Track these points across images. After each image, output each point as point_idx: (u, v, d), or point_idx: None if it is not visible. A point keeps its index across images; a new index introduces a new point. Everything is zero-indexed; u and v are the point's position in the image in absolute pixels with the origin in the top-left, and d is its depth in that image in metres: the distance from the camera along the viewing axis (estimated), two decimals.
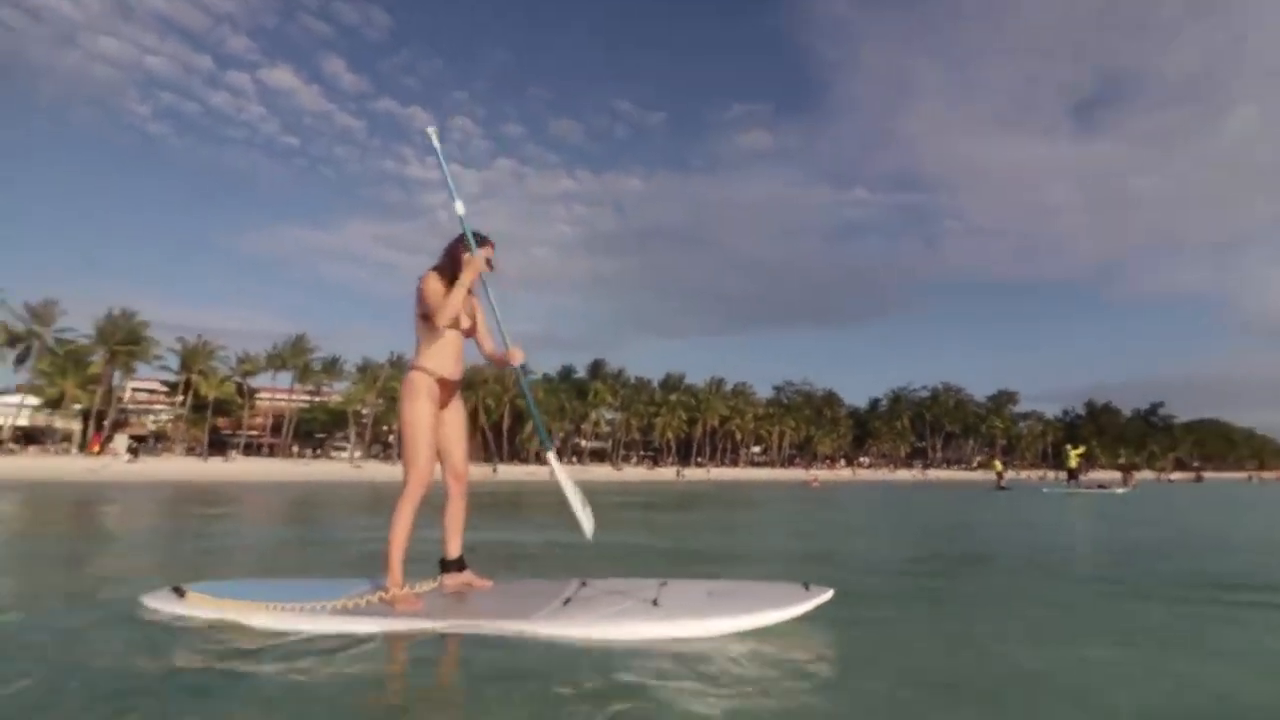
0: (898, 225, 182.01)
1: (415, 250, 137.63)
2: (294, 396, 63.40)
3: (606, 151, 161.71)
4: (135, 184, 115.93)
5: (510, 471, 54.54)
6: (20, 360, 49.98)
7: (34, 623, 3.00)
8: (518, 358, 3.31)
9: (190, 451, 54.57)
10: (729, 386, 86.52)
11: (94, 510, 11.65)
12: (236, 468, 42.94)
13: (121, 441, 50.75)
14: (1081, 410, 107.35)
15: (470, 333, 3.27)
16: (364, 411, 62.42)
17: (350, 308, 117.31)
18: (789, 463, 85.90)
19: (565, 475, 3.18)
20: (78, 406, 51.11)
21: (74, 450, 48.37)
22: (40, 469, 34.53)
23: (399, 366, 66.62)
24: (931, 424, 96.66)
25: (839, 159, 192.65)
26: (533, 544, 6.87)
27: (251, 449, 60.23)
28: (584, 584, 3.05)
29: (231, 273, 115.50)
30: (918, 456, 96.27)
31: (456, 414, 3.25)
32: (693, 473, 66.58)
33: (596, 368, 79.91)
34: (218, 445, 56.35)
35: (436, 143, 3.24)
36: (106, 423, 51.55)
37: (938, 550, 6.46)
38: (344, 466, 49.47)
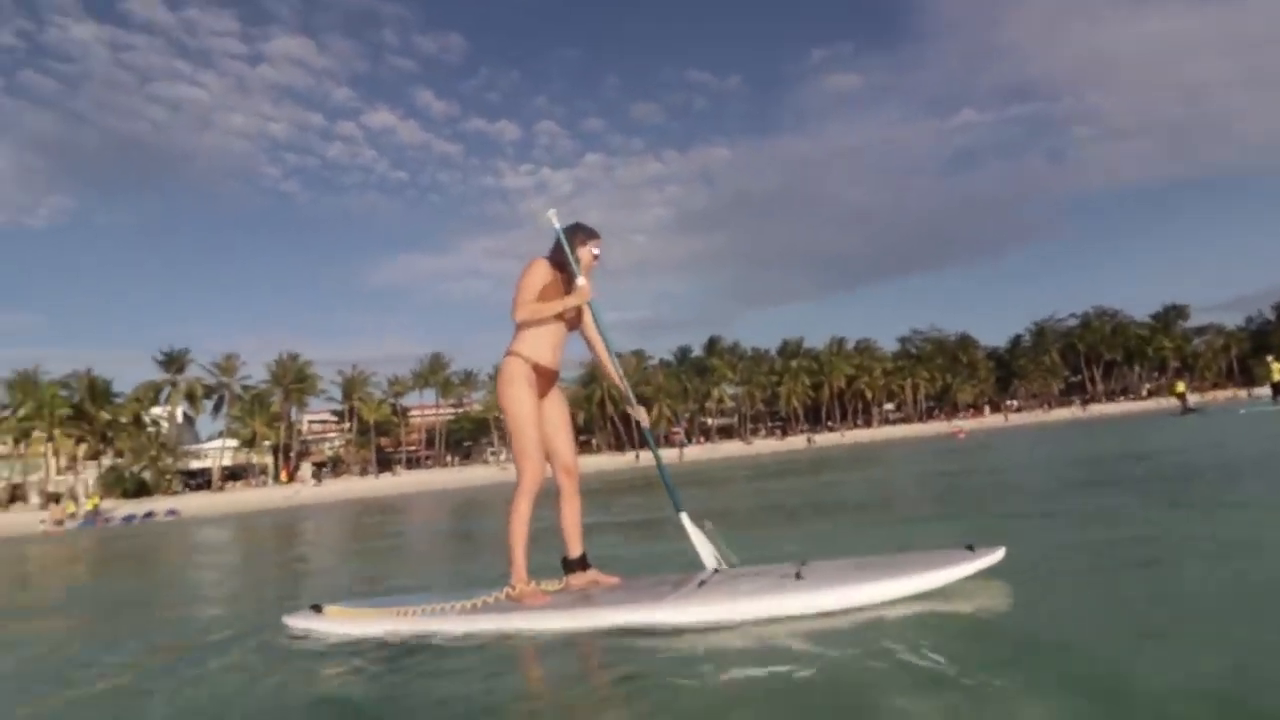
0: (1017, 143, 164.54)
1: (525, 257, 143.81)
2: (440, 410, 69.10)
3: (689, 127, 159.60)
4: (277, 239, 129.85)
5: (646, 458, 56.24)
6: (216, 409, 58.46)
7: (188, 643, 3.01)
8: (644, 417, 3.22)
9: (363, 471, 61.10)
10: (850, 345, 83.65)
11: (291, 531, 13.64)
12: (403, 481, 47.70)
13: (307, 469, 57.88)
14: (1271, 315, 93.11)
15: (574, 325, 3.11)
16: (503, 417, 66.72)
17: (474, 320, 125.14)
18: (927, 416, 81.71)
19: (697, 535, 2.93)
20: (268, 443, 58.79)
21: (269, 481, 55.77)
22: (247, 501, 40.24)
23: None
24: (1086, 355, 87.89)
25: (938, 84, 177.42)
26: (671, 520, 7.42)
27: (412, 463, 66.34)
28: (717, 570, 2.82)
29: (367, 305, 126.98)
30: (1074, 392, 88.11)
31: (557, 406, 3.07)
32: (825, 438, 65.25)
33: (712, 344, 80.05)
34: (384, 463, 62.70)
35: (556, 224, 3.18)
36: (292, 454, 59.01)
37: (1135, 483, 5.53)
38: (494, 469, 53.30)
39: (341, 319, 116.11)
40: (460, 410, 71.65)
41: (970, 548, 2.43)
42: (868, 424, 79.80)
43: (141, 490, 48.32)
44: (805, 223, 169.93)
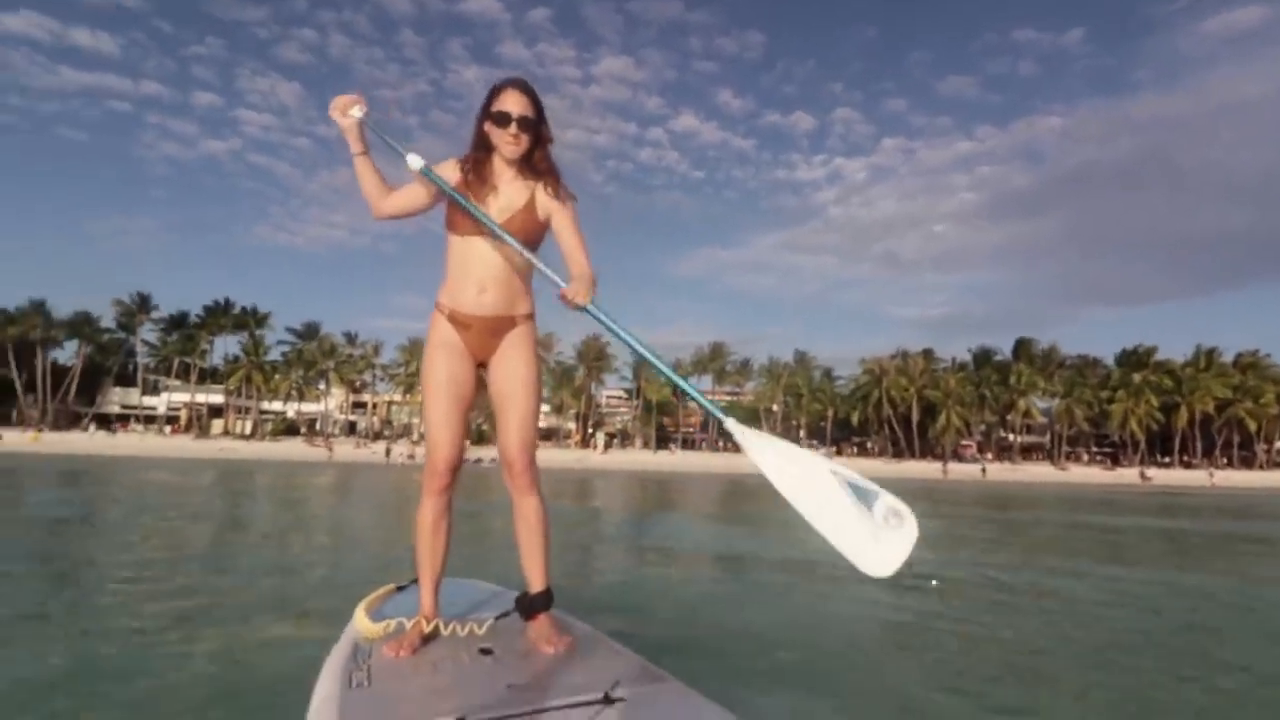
0: None
1: (816, 250, 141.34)
2: (715, 396, 72.26)
3: (1011, 97, 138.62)
4: (595, 237, 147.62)
5: (914, 468, 51.76)
6: None
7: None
8: (579, 296, 1.74)
9: (645, 445, 67.13)
10: (1227, 358, 65.17)
11: (585, 490, 15.77)
12: (675, 459, 51.23)
13: (600, 438, 65.60)
14: None
15: (532, 237, 1.90)
16: (774, 409, 67.09)
17: (762, 313, 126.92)
18: None
19: (759, 444, 1.71)
20: (572, 411, 67.96)
21: (572, 445, 64.54)
22: (551, 458, 47.19)
23: (803, 364, 69.75)
24: None
25: None
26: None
27: (688, 444, 70.72)
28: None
29: (671, 295, 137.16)
30: None
31: (507, 368, 1.96)
32: (1170, 475, 52.42)
33: (1020, 346, 69.37)
34: (663, 440, 67.94)
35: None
36: (590, 424, 67.48)
37: None
38: None
39: (647, 306, 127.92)
40: (734, 398, 73.95)
41: None
42: (1247, 464, 61.65)
43: (481, 439, 60.14)
44: (1172, 200, 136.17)
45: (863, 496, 1.52)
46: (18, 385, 58.03)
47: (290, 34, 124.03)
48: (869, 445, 69.58)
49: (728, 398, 74.18)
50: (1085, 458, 66.91)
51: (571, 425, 69.34)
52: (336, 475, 24.26)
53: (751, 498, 16.00)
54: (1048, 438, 67.72)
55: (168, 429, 61.61)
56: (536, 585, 1.91)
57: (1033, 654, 3.79)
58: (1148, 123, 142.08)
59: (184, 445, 47.13)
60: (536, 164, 1.94)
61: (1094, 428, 66.02)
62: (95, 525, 9.03)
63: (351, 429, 69.63)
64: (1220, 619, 4.92)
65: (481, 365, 1.98)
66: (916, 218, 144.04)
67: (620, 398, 78.64)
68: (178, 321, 64.60)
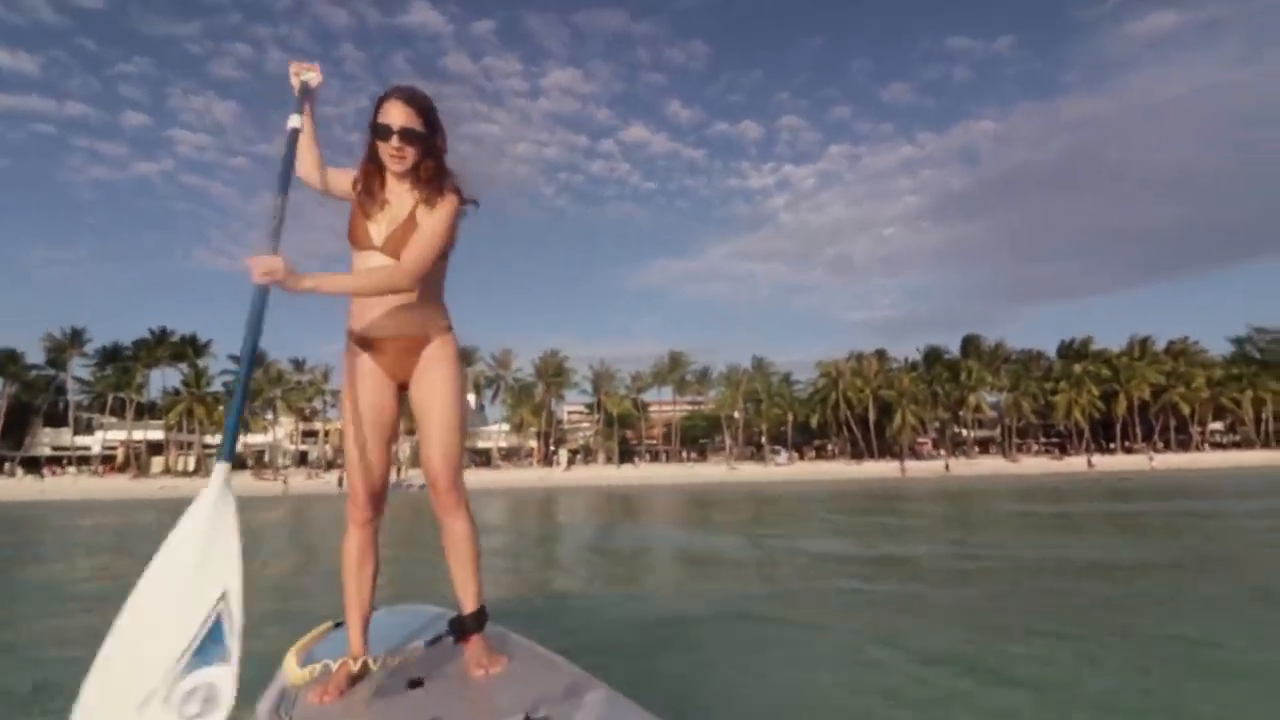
0: None
1: (768, 257, 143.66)
2: (677, 406, 72.30)
3: (947, 103, 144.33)
4: (549, 250, 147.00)
5: (874, 468, 52.68)
6: (493, 397, 68.28)
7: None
8: (262, 269, 1.54)
9: (608, 460, 66.55)
10: (1160, 347, 68.49)
11: (544, 510, 15.46)
12: (639, 473, 50.86)
13: (564, 455, 64.80)
14: None
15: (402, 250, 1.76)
16: (735, 415, 67.48)
17: (718, 321, 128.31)
18: (1276, 440, 63.57)
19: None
20: (532, 429, 66.98)
21: (534, 463, 63.54)
22: (514, 479, 46.27)
23: (761, 370, 70.44)
24: None
25: None
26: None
27: (652, 455, 70.44)
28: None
29: (628, 306, 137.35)
30: None
31: (424, 387, 1.85)
32: (1112, 461, 54.63)
33: (968, 344, 71.52)
34: (626, 454, 67.46)
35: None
36: (551, 441, 66.52)
37: None
38: (721, 469, 54.22)
39: (600, 319, 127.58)
40: (695, 407, 74.08)
41: None
42: (1184, 447, 64.70)
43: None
44: (1100, 197, 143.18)
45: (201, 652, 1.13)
46: None
47: (223, 49, 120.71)
48: (829, 448, 70.56)
49: (689, 407, 74.34)
50: (1035, 448, 69.20)
51: (533, 444, 68.36)
52: (291, 508, 23.23)
53: (713, 506, 15.93)
54: (998, 431, 69.88)
55: (101, 469, 58.32)
56: (469, 606, 1.86)
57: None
58: (1077, 123, 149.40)
59: (122, 486, 44.61)
60: (422, 175, 1.82)
61: (1040, 419, 68.41)
62: (12, 574, 8.31)
63: (303, 459, 67.13)
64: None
65: (403, 387, 1.89)
66: (864, 222, 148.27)
67: (581, 412, 77.97)
68: (111, 354, 61.39)
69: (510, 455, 67.96)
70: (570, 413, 79.64)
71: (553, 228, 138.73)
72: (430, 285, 1.84)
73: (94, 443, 61.90)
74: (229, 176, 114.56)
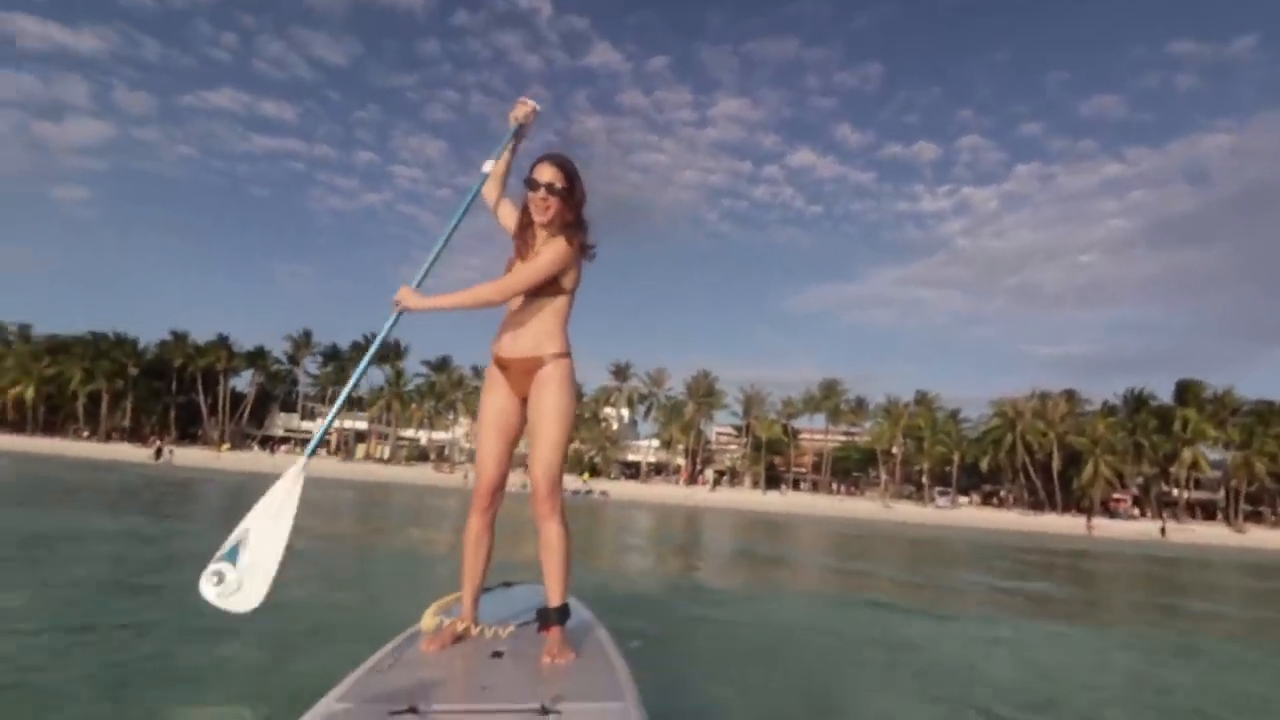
0: None
1: (941, 284, 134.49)
2: (829, 436, 70.13)
3: (1167, 115, 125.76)
4: (708, 274, 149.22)
5: (1054, 522, 47.45)
6: (646, 413, 70.89)
7: None
8: (401, 299, 2.10)
9: (754, 485, 66.16)
10: None
11: (690, 527, 16.32)
12: (785, 500, 50.20)
13: (710, 475, 65.57)
14: None
15: (556, 288, 2.19)
16: (893, 451, 64.04)
17: (877, 350, 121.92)
18: None
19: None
20: (680, 446, 68.49)
21: (681, 481, 64.88)
22: (660, 494, 47.82)
23: (925, 404, 66.27)
24: None
25: None
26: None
27: (799, 484, 68.89)
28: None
29: (784, 331, 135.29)
30: None
31: (535, 405, 2.15)
32: None
33: (1185, 390, 61.88)
34: (773, 480, 66.65)
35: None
36: (698, 460, 67.59)
37: None
38: (875, 506, 51.76)
39: (756, 341, 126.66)
40: (849, 438, 71.27)
41: None
42: None
43: (594, 472, 61.87)
44: None
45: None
46: (203, 409, 67.34)
47: (436, 96, 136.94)
48: (1002, 494, 64.47)
49: (843, 437, 71.71)
50: (1271, 518, 58.18)
51: (680, 461, 69.74)
52: (467, 500, 26.20)
53: (865, 550, 15.72)
54: (1220, 494, 59.58)
55: (320, 451, 68.44)
56: (554, 600, 2.08)
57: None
58: None
59: (330, 466, 52.41)
60: (556, 222, 2.16)
61: (1279, 483, 57.36)
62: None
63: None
64: None
65: (525, 402, 2.19)
66: (1056, 248, 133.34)
67: (730, 434, 78.18)
68: (332, 354, 72.33)
69: (658, 470, 69.87)
70: (719, 434, 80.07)
71: (714, 252, 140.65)
72: (550, 315, 2.16)
73: (315, 428, 73.01)
74: (435, 205, 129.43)
